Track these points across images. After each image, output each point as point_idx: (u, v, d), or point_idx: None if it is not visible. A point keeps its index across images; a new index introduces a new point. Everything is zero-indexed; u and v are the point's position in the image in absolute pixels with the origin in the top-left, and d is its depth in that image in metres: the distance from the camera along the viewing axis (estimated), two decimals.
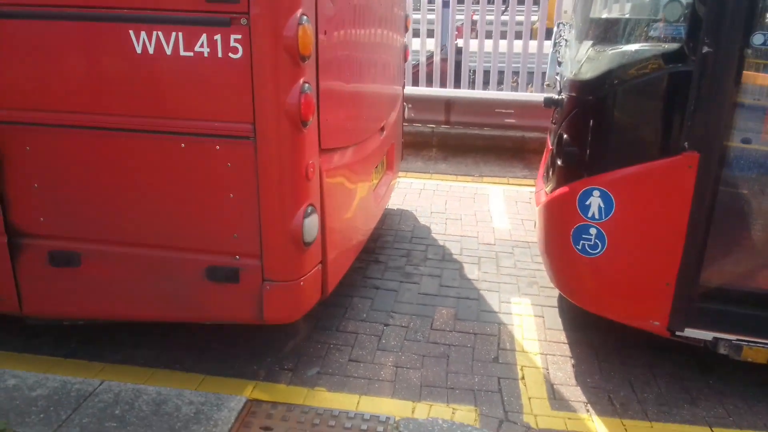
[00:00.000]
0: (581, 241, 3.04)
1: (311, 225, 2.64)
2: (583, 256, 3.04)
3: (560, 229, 3.18)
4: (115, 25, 2.38)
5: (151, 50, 2.39)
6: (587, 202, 2.98)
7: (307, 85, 2.48)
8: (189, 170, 2.54)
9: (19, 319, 2.97)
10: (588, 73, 3.15)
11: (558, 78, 3.65)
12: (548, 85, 3.63)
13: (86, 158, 2.58)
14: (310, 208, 2.64)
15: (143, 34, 2.38)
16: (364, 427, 2.59)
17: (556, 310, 3.74)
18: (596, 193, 2.94)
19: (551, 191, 3.29)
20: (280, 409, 2.70)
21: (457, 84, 7.88)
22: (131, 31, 2.38)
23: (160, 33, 2.37)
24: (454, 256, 4.46)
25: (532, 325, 3.58)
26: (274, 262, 2.62)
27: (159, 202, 2.61)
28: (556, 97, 3.45)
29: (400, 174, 5.91)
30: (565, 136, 3.14)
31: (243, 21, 2.32)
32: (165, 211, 2.62)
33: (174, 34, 2.36)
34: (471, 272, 4.22)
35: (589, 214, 2.99)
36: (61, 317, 2.90)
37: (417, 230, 4.90)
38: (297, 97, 2.42)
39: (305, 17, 2.39)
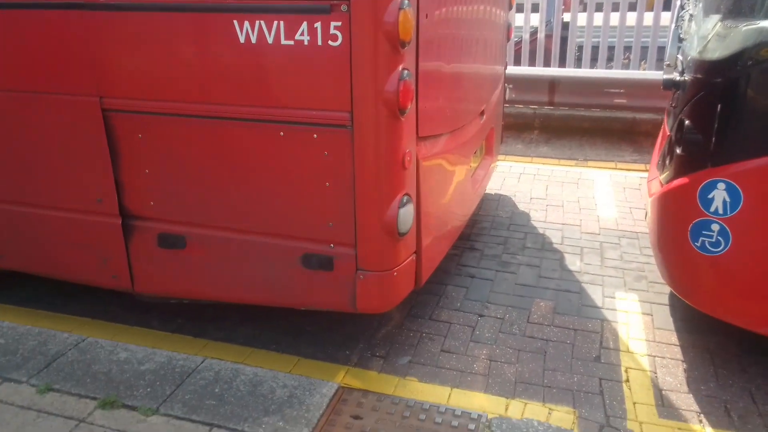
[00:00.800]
0: (701, 238, 2.78)
1: (406, 215, 2.58)
2: (703, 253, 2.78)
3: (677, 223, 2.91)
4: (220, 16, 2.42)
5: (253, 39, 2.41)
6: (710, 196, 2.71)
7: (406, 71, 2.40)
8: (287, 158, 2.56)
9: (132, 296, 3.15)
10: (717, 51, 2.83)
11: (680, 57, 3.32)
12: (668, 65, 3.31)
13: (191, 145, 2.67)
14: (405, 198, 2.58)
15: (246, 23, 2.39)
16: (455, 423, 2.53)
17: (667, 308, 3.47)
18: (721, 185, 2.66)
19: (667, 181, 3.03)
20: (371, 398, 2.70)
21: (563, 62, 7.47)
22: (235, 21, 2.40)
23: (262, 22, 2.37)
24: (555, 246, 4.25)
25: (639, 323, 3.34)
26: (368, 252, 2.60)
27: (258, 189, 2.65)
28: (678, 78, 3.14)
29: (499, 157, 5.72)
30: (687, 121, 2.85)
31: (343, 8, 2.27)
32: (264, 198, 2.66)
33: (276, 23, 2.36)
34: (572, 263, 4.01)
35: (712, 209, 2.72)
36: (168, 296, 3.05)
37: (515, 217, 4.73)
38: (395, 85, 2.35)
39: (406, 1, 2.31)
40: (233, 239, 2.77)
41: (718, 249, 2.72)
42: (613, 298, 3.60)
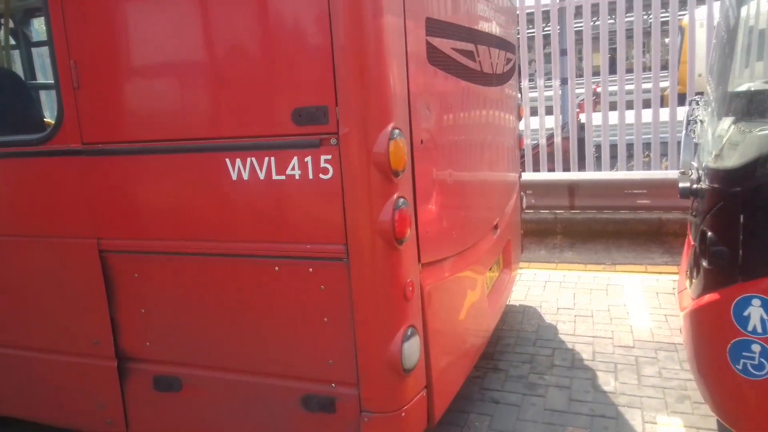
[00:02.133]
0: (742, 360, 2.51)
1: (411, 349, 2.40)
2: (746, 377, 2.49)
3: (713, 343, 2.65)
4: (212, 155, 2.42)
5: (245, 176, 2.38)
6: (745, 313, 2.47)
7: (401, 200, 2.32)
8: (283, 294, 2.45)
9: None
10: (733, 159, 2.69)
11: (694, 163, 3.19)
12: (683, 173, 3.18)
13: (185, 283, 2.59)
14: (410, 330, 2.41)
15: (238, 161, 2.38)
16: None
17: None
18: (756, 302, 2.43)
19: (697, 296, 2.79)
20: None
21: (582, 163, 7.42)
22: (227, 159, 2.40)
23: (253, 159, 2.36)
24: (586, 362, 3.95)
25: None
26: (371, 391, 2.40)
27: (254, 326, 2.53)
28: (695, 186, 3.00)
29: (523, 265, 5.53)
30: (709, 233, 2.67)
31: (333, 141, 2.24)
32: (260, 336, 2.53)
33: (267, 158, 2.34)
34: (606, 383, 3.69)
35: (749, 328, 2.47)
36: None
37: (542, 330, 4.46)
38: (390, 215, 2.26)
39: (397, 131, 2.27)
40: (230, 380, 2.62)
41: (763, 372, 2.44)
42: (655, 423, 3.25)
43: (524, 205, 4.82)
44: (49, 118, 3.79)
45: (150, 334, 2.70)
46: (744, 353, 2.49)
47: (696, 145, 3.39)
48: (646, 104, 7.38)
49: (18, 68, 4.29)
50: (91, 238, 2.67)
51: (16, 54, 4.23)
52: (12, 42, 4.13)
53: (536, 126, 7.93)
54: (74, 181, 2.65)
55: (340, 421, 2.45)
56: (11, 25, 4.05)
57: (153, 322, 2.68)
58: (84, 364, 2.84)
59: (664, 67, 7.59)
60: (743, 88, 2.99)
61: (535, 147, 7.86)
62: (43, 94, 4.78)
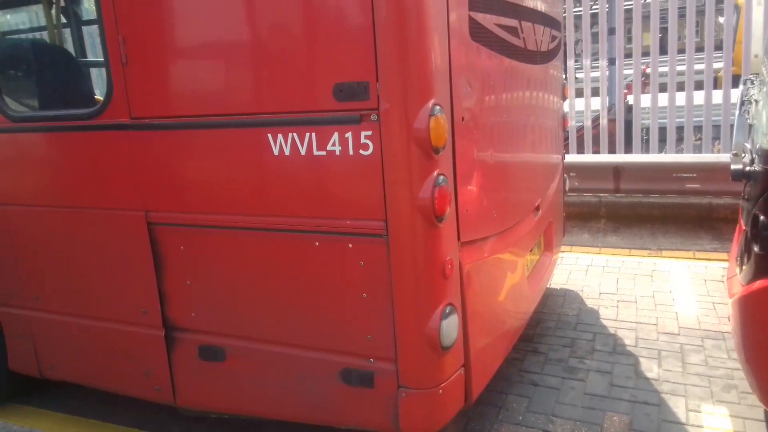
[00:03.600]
0: None
1: (450, 327, 2.40)
2: None
3: (763, 331, 2.57)
4: (255, 131, 2.45)
5: (287, 152, 2.41)
6: None
7: (441, 177, 2.30)
8: (323, 269, 2.47)
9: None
10: None
11: (748, 145, 3.07)
12: (735, 154, 3.06)
13: (229, 257, 2.64)
14: (448, 308, 2.41)
15: (280, 136, 2.40)
16: None
17: (763, 425, 3.01)
18: None
19: (747, 282, 2.70)
20: None
21: (628, 146, 7.21)
22: (269, 135, 2.42)
23: (295, 134, 2.38)
24: (628, 348, 3.87)
25: None
26: (409, 368, 2.41)
27: (295, 300, 2.56)
28: (747, 168, 2.88)
29: (565, 249, 5.45)
30: (762, 217, 2.57)
31: (373, 117, 2.24)
32: (301, 310, 2.56)
33: (308, 134, 2.36)
34: (649, 369, 3.61)
35: None
36: (209, 411, 2.95)
37: (583, 315, 4.39)
38: (430, 192, 2.25)
39: (438, 107, 2.25)
40: (271, 352, 2.67)
41: None
42: (699, 411, 3.17)
43: (567, 188, 4.72)
44: (99, 95, 3.90)
45: (195, 305, 2.77)
46: None
47: (750, 126, 3.25)
48: (698, 86, 7.09)
49: (69, 46, 4.42)
50: (139, 210, 2.75)
51: (67, 32, 4.34)
52: (63, 20, 4.25)
53: (581, 108, 7.73)
54: (123, 154, 2.72)
55: (378, 396, 2.48)
56: (62, 3, 4.16)
57: (198, 294, 2.75)
58: (133, 332, 2.95)
59: (718, 47, 7.24)
60: None
61: (580, 129, 7.66)
62: (93, 71, 4.92)
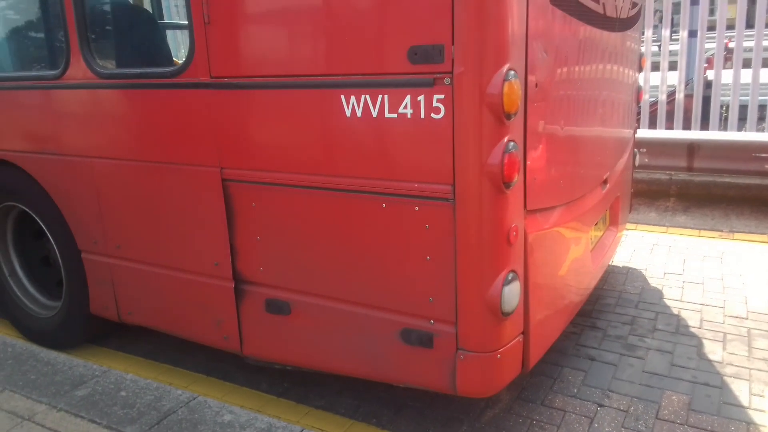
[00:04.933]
0: None
1: (511, 294, 2.42)
2: None
3: None
4: (328, 92, 2.50)
5: (359, 113, 2.45)
6: None
7: (512, 143, 2.30)
8: (388, 230, 2.53)
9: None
10: None
11: None
12: None
13: (297, 215, 2.73)
14: (511, 275, 2.42)
15: (353, 98, 2.44)
16: None
17: None
18: None
19: None
20: None
21: (705, 123, 6.89)
22: (342, 96, 2.47)
23: (367, 96, 2.41)
24: (692, 329, 3.78)
25: None
26: (469, 331, 2.46)
27: (360, 259, 2.63)
28: None
29: (630, 226, 5.33)
30: None
31: (446, 80, 2.24)
32: (365, 269, 2.63)
33: (380, 96, 2.39)
34: (713, 352, 3.53)
35: None
36: (273, 361, 3.09)
37: (645, 293, 4.30)
38: (500, 158, 2.26)
39: (512, 72, 2.23)
40: (335, 308, 2.77)
41: None
42: (763, 396, 3.09)
43: (636, 163, 4.59)
44: (176, 58, 4.05)
45: (263, 260, 2.89)
46: None
47: None
48: None
49: (150, 7, 4.60)
50: (215, 166, 2.87)
51: None
52: None
53: (656, 82, 7.41)
54: (202, 112, 2.83)
55: (436, 357, 2.54)
56: None
57: (266, 249, 2.86)
58: (206, 283, 3.10)
59: None
60: None
61: (654, 104, 7.37)
62: (170, 35, 5.10)
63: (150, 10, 4.74)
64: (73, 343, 3.86)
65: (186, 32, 2.86)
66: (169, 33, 5.11)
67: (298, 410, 3.17)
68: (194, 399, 3.11)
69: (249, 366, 3.37)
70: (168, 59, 3.77)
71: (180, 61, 2.89)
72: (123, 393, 3.18)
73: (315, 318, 2.84)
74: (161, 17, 4.69)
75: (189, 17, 2.73)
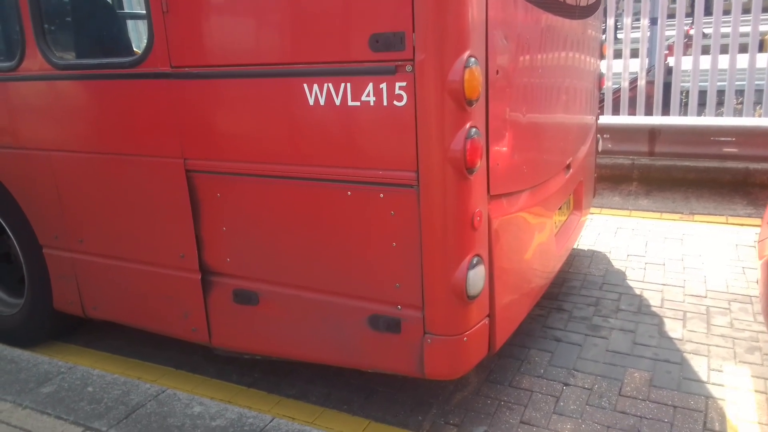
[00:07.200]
0: None
1: (476, 277, 2.46)
2: None
3: None
4: (291, 80, 2.49)
5: (322, 102, 2.45)
6: None
7: (474, 129, 2.33)
8: (354, 218, 2.54)
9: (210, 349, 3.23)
10: None
11: None
12: None
13: (263, 204, 2.73)
14: (475, 259, 2.47)
15: (315, 86, 2.45)
16: None
17: None
18: None
19: None
20: None
21: (666, 109, 7.06)
22: (305, 85, 2.46)
23: (330, 85, 2.42)
24: (653, 309, 3.90)
25: (751, 403, 2.94)
26: (435, 315, 2.49)
27: (326, 247, 2.65)
28: None
29: (594, 210, 5.44)
30: None
31: (408, 68, 2.26)
32: (332, 257, 2.65)
33: (343, 85, 2.39)
34: (673, 330, 3.64)
35: None
36: (243, 352, 3.09)
37: (609, 275, 4.41)
38: (462, 144, 2.29)
39: (473, 59, 2.26)
40: (303, 297, 2.78)
41: None
42: (721, 371, 3.21)
43: (600, 149, 4.68)
44: (136, 48, 3.98)
45: (230, 250, 2.88)
46: None
47: None
48: (743, 49, 6.86)
49: None
50: (178, 158, 2.84)
51: None
52: None
53: (619, 69, 7.55)
54: (164, 103, 2.80)
55: (404, 341, 2.57)
56: None
57: (233, 240, 2.86)
58: (172, 275, 3.08)
59: (766, 9, 6.97)
60: None
61: (616, 91, 7.52)
62: (130, 24, 5.00)
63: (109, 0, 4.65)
64: (37, 340, 3.80)
65: (146, 21, 2.81)
66: (133, 23, 5.01)
67: (269, 400, 3.18)
68: (163, 392, 3.09)
69: (219, 358, 3.36)
70: (128, 49, 3.70)
71: (140, 51, 2.85)
72: (90, 389, 3.14)
73: (283, 307, 2.84)
74: (121, 6, 4.59)
75: (147, 6, 2.69)
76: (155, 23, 2.68)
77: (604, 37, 4.79)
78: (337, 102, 2.42)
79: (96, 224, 3.27)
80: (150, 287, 3.21)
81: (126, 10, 4.66)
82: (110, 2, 4.27)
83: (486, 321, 2.65)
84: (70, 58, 3.30)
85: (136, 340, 3.76)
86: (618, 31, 7.80)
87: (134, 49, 3.84)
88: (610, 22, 7.30)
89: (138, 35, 5.02)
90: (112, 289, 3.36)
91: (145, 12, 2.73)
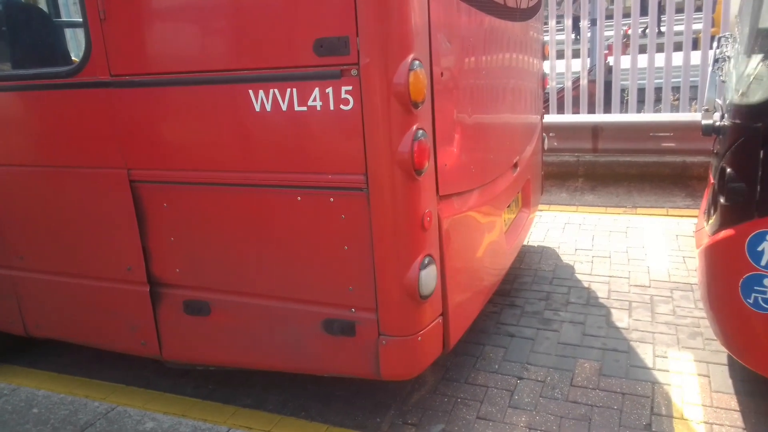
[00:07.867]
0: (753, 294, 2.56)
1: (428, 277, 2.49)
2: (756, 311, 2.55)
3: (726, 278, 2.70)
4: (236, 87, 2.47)
5: (268, 108, 2.44)
6: (759, 248, 2.51)
7: (420, 131, 2.36)
8: (305, 223, 2.53)
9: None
10: (758, 94, 2.67)
11: (719, 101, 3.15)
12: (707, 110, 3.15)
13: (211, 213, 2.69)
14: (427, 259, 2.49)
15: (261, 92, 2.43)
16: None
17: (726, 368, 3.19)
18: None
19: (713, 232, 2.82)
20: None
21: (608, 107, 7.30)
22: (250, 91, 2.44)
23: (276, 90, 2.40)
24: (601, 300, 4.03)
25: (694, 386, 3.07)
26: (389, 316, 2.51)
27: (278, 254, 2.63)
28: (717, 123, 2.97)
29: (543, 207, 5.57)
30: (728, 169, 2.67)
31: (353, 72, 2.27)
32: (284, 263, 2.63)
33: (289, 90, 2.38)
34: (620, 319, 3.77)
35: (763, 263, 2.51)
36: (196, 363, 3.03)
37: (559, 270, 4.53)
38: (409, 146, 2.31)
39: (417, 62, 2.29)
40: (256, 305, 2.75)
41: None
42: (666, 357, 3.34)
43: (546, 147, 4.80)
44: (74, 57, 3.86)
45: (179, 261, 2.82)
46: (756, 288, 2.54)
47: (722, 83, 3.34)
48: (678, 47, 7.17)
49: (43, 5, 4.34)
50: (121, 168, 2.77)
51: None
52: None
53: (562, 69, 7.77)
54: (104, 113, 2.72)
55: (359, 344, 2.58)
56: None
57: (182, 250, 2.80)
58: (118, 289, 3.00)
59: (699, 8, 7.29)
60: None
61: (560, 91, 7.73)
62: (67, 32, 4.84)
63: (44, 8, 4.49)
64: None
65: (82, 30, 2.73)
66: (71, 31, 4.86)
67: (225, 411, 3.13)
68: (113, 410, 3.01)
69: (172, 371, 3.29)
70: (66, 58, 3.58)
71: (78, 60, 2.77)
72: (35, 410, 3.02)
73: (236, 316, 2.81)
74: (57, 15, 4.43)
75: (83, 13, 2.61)
76: (92, 31, 2.61)
77: (546, 38, 4.92)
78: (284, 107, 2.41)
79: (37, 240, 3.15)
80: (95, 302, 3.11)
81: (63, 18, 4.50)
82: (46, 11, 4.13)
83: (439, 320, 2.68)
84: (4, 68, 3.18)
85: (83, 358, 3.63)
86: (560, 33, 8.01)
87: (72, 58, 3.72)
88: (552, 23, 7.50)
89: (77, 44, 4.87)
90: (56, 306, 3.25)
91: (81, 20, 2.65)
